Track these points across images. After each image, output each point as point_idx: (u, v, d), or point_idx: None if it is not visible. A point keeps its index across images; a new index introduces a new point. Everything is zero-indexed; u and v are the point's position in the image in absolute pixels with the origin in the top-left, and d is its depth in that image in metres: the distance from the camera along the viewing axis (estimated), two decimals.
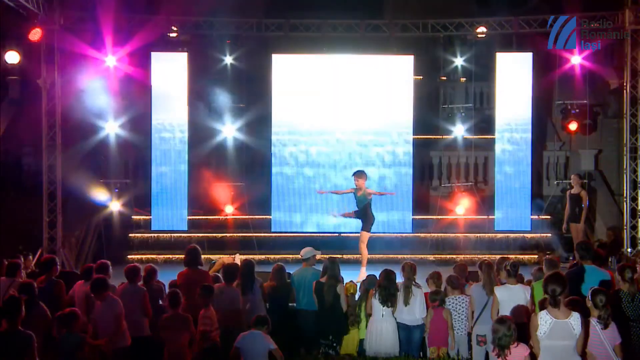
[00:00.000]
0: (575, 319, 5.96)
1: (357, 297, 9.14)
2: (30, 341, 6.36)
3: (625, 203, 13.89)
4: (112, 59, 13.99)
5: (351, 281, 9.93)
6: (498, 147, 14.61)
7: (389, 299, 8.21)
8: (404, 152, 14.66)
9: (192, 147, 14.73)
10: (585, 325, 6.06)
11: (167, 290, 9.02)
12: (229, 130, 15.25)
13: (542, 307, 6.33)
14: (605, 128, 15.86)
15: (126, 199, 14.85)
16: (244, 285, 8.67)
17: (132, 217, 15.02)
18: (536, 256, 14.05)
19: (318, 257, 9.46)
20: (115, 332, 7.62)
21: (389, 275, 8.31)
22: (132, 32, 13.91)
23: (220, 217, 14.98)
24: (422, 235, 14.86)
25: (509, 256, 8.25)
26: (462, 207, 14.95)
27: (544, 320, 5.96)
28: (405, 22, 14.66)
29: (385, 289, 8.23)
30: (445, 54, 14.78)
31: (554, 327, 5.93)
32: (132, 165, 15.72)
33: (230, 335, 7.80)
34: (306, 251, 9.31)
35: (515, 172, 14.51)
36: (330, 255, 9.40)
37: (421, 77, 15.52)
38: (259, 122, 15.33)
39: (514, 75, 14.43)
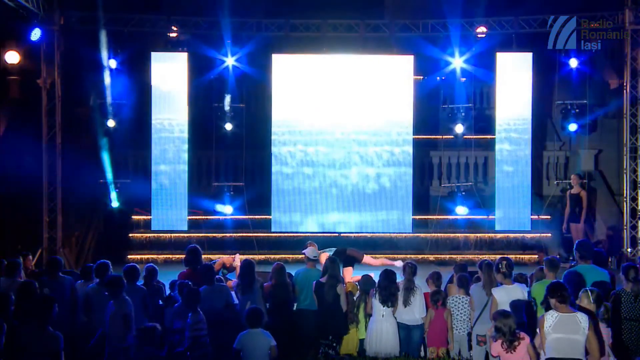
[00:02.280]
0: (581, 314, 6.16)
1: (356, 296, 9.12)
2: (58, 342, 6.34)
3: (625, 203, 13.89)
4: (112, 59, 13.98)
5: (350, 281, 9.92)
6: (498, 147, 14.59)
7: (389, 299, 8.20)
8: (404, 152, 14.65)
9: (192, 147, 14.73)
10: (594, 326, 6.16)
11: (167, 290, 9.03)
12: (228, 129, 15.22)
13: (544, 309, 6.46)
14: (605, 128, 15.84)
15: (126, 199, 14.84)
16: (244, 285, 8.67)
17: (132, 217, 15.02)
18: (536, 256, 14.05)
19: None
20: (125, 331, 7.59)
21: (389, 275, 8.30)
22: (132, 32, 13.91)
23: (220, 217, 14.97)
24: (422, 235, 14.88)
25: (508, 256, 8.23)
26: (462, 207, 14.94)
27: (550, 315, 6.18)
28: (405, 22, 14.66)
29: (386, 288, 8.22)
30: (445, 54, 14.76)
31: (560, 320, 6.11)
32: (132, 165, 15.72)
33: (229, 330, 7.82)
34: (314, 251, 9.28)
35: (515, 172, 14.48)
36: (330, 255, 9.39)
37: (421, 77, 15.49)
38: (259, 122, 15.32)
39: (514, 75, 14.42)
